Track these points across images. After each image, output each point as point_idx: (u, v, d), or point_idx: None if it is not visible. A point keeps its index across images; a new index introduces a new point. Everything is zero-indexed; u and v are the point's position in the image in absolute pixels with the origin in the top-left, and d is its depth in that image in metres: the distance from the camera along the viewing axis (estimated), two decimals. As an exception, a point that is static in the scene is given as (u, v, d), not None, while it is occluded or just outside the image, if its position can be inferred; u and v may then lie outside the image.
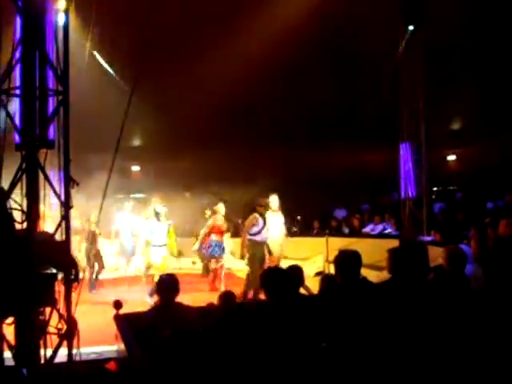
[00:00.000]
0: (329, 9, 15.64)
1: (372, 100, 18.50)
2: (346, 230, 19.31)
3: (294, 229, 19.72)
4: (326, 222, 19.87)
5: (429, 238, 14.66)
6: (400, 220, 16.28)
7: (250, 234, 12.18)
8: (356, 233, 18.26)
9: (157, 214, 12.93)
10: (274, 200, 12.94)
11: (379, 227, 18.10)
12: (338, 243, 15.30)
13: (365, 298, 5.59)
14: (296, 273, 6.80)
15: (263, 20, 16.48)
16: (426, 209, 15.62)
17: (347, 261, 6.06)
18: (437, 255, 7.45)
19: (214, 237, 14.47)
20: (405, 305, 5.40)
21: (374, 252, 11.26)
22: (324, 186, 21.26)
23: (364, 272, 6.20)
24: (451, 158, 24.62)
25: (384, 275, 6.75)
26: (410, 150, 14.89)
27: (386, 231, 17.50)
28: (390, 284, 5.89)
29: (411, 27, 14.84)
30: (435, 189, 21.99)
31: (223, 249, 14.70)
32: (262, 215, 12.30)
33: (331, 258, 14.97)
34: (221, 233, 14.65)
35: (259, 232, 12.12)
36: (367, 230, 18.36)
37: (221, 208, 14.81)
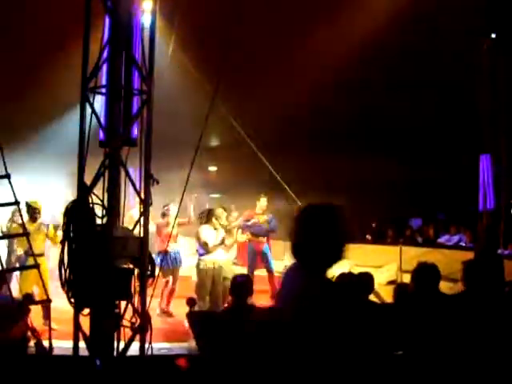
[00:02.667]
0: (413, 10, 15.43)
1: (454, 111, 18.23)
2: (420, 239, 19.08)
3: (368, 236, 19.60)
4: (400, 231, 19.69)
5: (506, 252, 14.37)
6: (476, 232, 15.97)
7: None
8: (430, 242, 18.03)
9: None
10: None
11: (455, 238, 17.84)
12: (411, 252, 15.14)
13: (437, 309, 5.54)
14: (366, 280, 6.78)
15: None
16: (504, 222, 15.27)
17: (426, 273, 6.03)
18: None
19: None
20: (477, 317, 5.33)
21: (449, 263, 11.11)
22: (400, 194, 21.05)
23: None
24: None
25: (458, 287, 6.67)
26: (490, 161, 14.59)
27: (462, 243, 17.23)
28: (464, 296, 5.82)
29: (494, 35, 14.51)
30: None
31: None
32: None
33: (404, 267, 14.86)
34: None
35: None
36: (442, 240, 18.11)
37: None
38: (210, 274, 10.99)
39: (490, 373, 5.00)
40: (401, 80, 18.17)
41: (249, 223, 13.62)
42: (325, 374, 5.03)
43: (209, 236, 11.22)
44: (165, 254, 11.54)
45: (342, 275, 6.49)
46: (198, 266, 11.20)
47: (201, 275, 11.07)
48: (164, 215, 12.46)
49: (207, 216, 11.46)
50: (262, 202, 14.03)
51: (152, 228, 12.42)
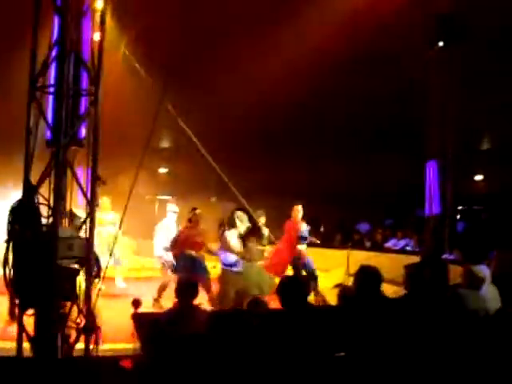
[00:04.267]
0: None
1: (400, 115, 18.47)
2: (368, 244, 19.32)
3: (317, 240, 19.75)
4: (348, 235, 19.89)
5: (451, 257, 14.64)
6: (422, 236, 16.26)
7: None
8: (378, 247, 18.27)
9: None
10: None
11: (402, 243, 18.11)
12: (359, 256, 15.31)
13: (378, 311, 5.65)
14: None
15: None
16: (449, 227, 15.57)
17: (367, 276, 6.13)
18: (458, 273, 7.48)
19: None
20: (417, 320, 5.45)
21: (395, 267, 11.26)
22: (348, 199, 21.26)
23: (383, 287, 6.26)
24: (478, 177, 24.50)
25: (403, 291, 6.80)
26: (437, 167, 14.85)
27: (408, 247, 17.50)
28: (405, 300, 5.95)
29: (441, 43, 14.76)
30: (460, 208, 21.91)
31: None
32: None
33: (352, 270, 15.01)
34: None
35: None
36: (389, 244, 18.36)
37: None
38: (239, 285, 10.32)
39: (429, 375, 5.12)
40: (349, 87, 18.35)
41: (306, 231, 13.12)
42: (269, 376, 5.11)
43: (238, 243, 10.60)
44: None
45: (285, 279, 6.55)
46: (224, 276, 10.55)
47: (227, 286, 10.41)
48: (194, 221, 11.57)
49: (231, 220, 10.79)
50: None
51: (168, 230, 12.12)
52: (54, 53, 6.38)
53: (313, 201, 16.59)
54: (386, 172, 20.50)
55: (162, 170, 26.20)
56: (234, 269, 10.48)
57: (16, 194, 6.53)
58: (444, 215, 15.19)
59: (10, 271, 6.12)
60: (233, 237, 10.64)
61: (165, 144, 24.87)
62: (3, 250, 6.16)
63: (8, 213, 6.25)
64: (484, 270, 7.27)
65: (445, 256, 14.76)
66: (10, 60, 13.21)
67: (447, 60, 14.61)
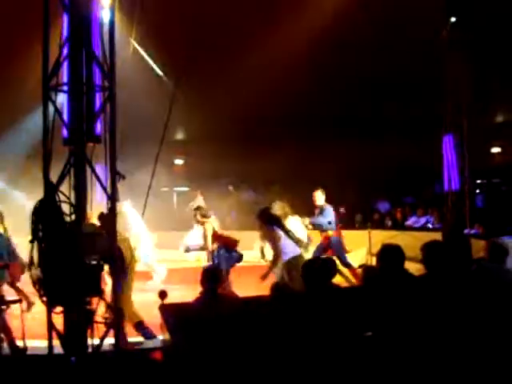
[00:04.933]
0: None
1: (416, 93, 18.42)
2: (389, 223, 19.29)
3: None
4: (368, 215, 19.86)
5: (473, 231, 14.59)
6: (443, 213, 16.18)
7: None
8: (399, 225, 18.23)
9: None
10: None
11: (422, 220, 18.07)
12: (380, 236, 15.29)
13: (403, 290, 5.65)
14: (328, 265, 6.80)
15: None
16: (469, 202, 15.48)
17: (390, 255, 6.13)
18: (480, 248, 7.46)
19: None
20: (441, 296, 5.44)
21: (417, 245, 11.23)
22: (367, 179, 21.23)
23: (406, 265, 6.26)
24: (496, 150, 24.33)
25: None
26: (453, 142, 14.76)
27: (429, 224, 17.45)
28: (429, 276, 5.93)
29: (453, 19, 14.67)
30: (479, 181, 21.81)
31: None
32: None
33: (374, 250, 15.00)
34: None
35: None
36: (410, 222, 18.33)
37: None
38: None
39: (456, 352, 5.11)
40: (365, 70, 18.34)
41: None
42: (299, 360, 5.13)
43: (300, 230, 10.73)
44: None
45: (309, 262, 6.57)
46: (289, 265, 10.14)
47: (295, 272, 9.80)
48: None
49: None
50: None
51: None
52: (65, 51, 6.40)
53: (331, 182, 16.63)
54: (403, 150, 20.48)
55: (178, 162, 26.26)
56: (296, 254, 10.32)
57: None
58: (463, 190, 15.12)
59: (35, 270, 6.18)
60: (296, 224, 10.80)
61: (179, 136, 24.94)
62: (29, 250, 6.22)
63: (30, 213, 6.30)
64: (508, 242, 7.26)
65: (466, 231, 14.71)
66: (23, 60, 13.29)
67: (460, 35, 14.53)
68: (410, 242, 12.16)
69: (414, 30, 16.21)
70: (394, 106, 19.88)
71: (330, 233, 13.05)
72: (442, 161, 14.96)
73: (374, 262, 11.64)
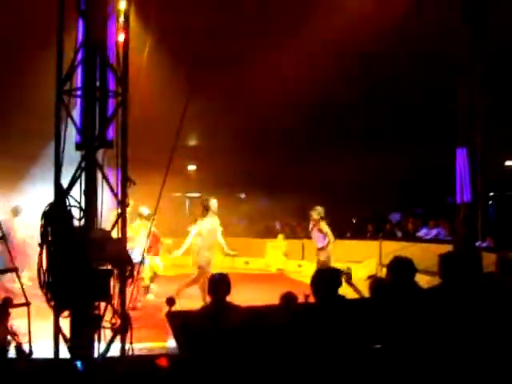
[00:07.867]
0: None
1: (429, 103, 18.37)
2: (400, 234, 19.20)
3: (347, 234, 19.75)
4: (380, 226, 19.79)
5: (484, 244, 14.49)
6: (454, 225, 16.08)
7: None
8: (410, 237, 18.14)
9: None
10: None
11: (433, 232, 17.96)
12: (391, 247, 15.25)
13: (413, 303, 5.61)
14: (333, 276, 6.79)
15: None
16: (481, 214, 15.39)
17: (401, 267, 6.10)
18: (491, 261, 7.40)
19: None
20: (453, 310, 5.39)
21: (427, 257, 11.20)
22: (379, 190, 21.19)
23: (416, 277, 6.22)
24: (509, 163, 24.24)
25: (436, 280, 6.74)
26: (467, 154, 14.70)
27: (440, 236, 17.34)
28: (440, 289, 5.89)
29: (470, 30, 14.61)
30: (491, 194, 21.68)
31: None
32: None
33: (384, 261, 14.96)
34: None
35: None
36: (421, 234, 18.22)
37: None
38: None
39: (465, 365, 5.07)
40: (376, 78, 18.31)
41: None
42: (307, 370, 5.10)
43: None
44: None
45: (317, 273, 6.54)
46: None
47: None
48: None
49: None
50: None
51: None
52: (79, 56, 6.42)
53: (342, 194, 16.64)
54: (416, 161, 20.43)
55: (191, 168, 26.29)
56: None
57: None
58: (475, 202, 15.04)
59: (44, 274, 6.18)
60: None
61: (192, 141, 24.97)
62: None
63: (40, 217, 6.30)
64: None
65: (477, 244, 14.62)
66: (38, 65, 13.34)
67: (474, 46, 14.48)
68: (421, 253, 12.14)
69: (430, 42, 16.16)
70: (407, 117, 19.83)
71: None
72: (455, 173, 14.89)
73: (384, 272, 11.63)
